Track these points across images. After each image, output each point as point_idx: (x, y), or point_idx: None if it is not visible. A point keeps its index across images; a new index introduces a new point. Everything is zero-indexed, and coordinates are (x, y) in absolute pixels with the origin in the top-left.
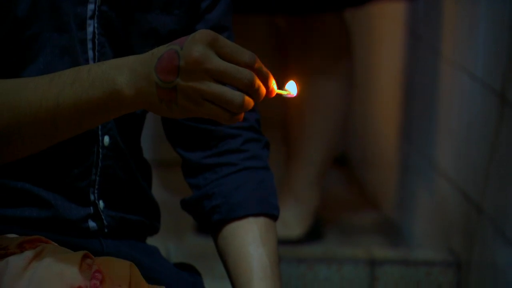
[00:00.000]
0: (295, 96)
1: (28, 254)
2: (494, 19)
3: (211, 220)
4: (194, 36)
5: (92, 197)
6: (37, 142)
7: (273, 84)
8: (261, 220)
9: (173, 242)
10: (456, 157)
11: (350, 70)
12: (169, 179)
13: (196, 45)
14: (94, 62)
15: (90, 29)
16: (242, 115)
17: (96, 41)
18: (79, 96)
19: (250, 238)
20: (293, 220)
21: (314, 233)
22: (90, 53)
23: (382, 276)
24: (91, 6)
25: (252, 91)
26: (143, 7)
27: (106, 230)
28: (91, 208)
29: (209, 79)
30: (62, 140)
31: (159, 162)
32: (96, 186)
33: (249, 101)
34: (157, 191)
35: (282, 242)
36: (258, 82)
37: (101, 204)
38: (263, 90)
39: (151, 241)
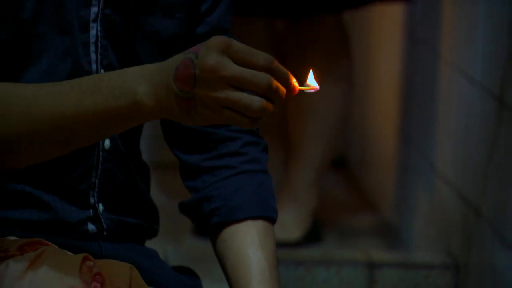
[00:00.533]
0: (317, 90)
1: (29, 256)
2: (493, 22)
3: (209, 223)
4: (208, 44)
5: (92, 200)
6: (53, 150)
7: (294, 82)
8: (259, 223)
9: (171, 245)
10: (455, 159)
11: (349, 71)
12: (167, 181)
13: (210, 53)
14: (97, 64)
15: (93, 31)
16: (264, 118)
17: (99, 44)
18: (99, 106)
19: (249, 241)
20: (292, 222)
21: (312, 235)
22: (93, 55)
23: (380, 278)
24: (94, 9)
25: (271, 94)
26: (146, 10)
27: (105, 233)
28: (91, 211)
29: (226, 86)
30: (77, 149)
31: (156, 164)
32: (96, 189)
33: (268, 105)
34: (155, 194)
35: (281, 244)
36: (276, 84)
37: (100, 207)
38: (282, 90)
39: (149, 244)
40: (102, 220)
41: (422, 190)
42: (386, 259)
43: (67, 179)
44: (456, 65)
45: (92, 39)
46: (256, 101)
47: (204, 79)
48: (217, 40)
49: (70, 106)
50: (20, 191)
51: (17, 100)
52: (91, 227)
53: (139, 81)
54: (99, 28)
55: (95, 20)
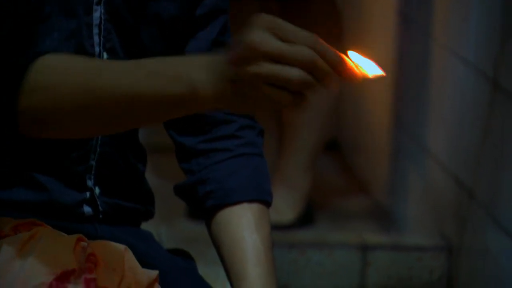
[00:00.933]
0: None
1: (22, 236)
2: (486, 3)
3: (205, 205)
4: (252, 22)
5: (89, 183)
6: (108, 126)
7: (347, 65)
8: (255, 206)
9: (165, 228)
10: (448, 142)
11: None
12: (161, 164)
13: (253, 30)
14: (100, 47)
15: (96, 14)
16: (306, 100)
17: (102, 27)
18: (159, 89)
19: (244, 224)
20: (285, 206)
21: (306, 218)
22: (96, 38)
23: (374, 261)
24: None
25: (314, 70)
26: None
27: (101, 216)
28: (87, 193)
29: (268, 61)
30: (128, 130)
31: (151, 147)
32: (93, 172)
33: (309, 79)
34: (149, 176)
35: (274, 227)
36: (321, 61)
37: (97, 190)
38: (326, 69)
39: (143, 226)
40: (98, 203)
41: (415, 173)
42: (379, 242)
43: (65, 161)
44: (449, 47)
45: (96, 22)
46: (295, 71)
47: (248, 57)
48: (262, 18)
49: (131, 85)
50: (16, 172)
51: (77, 73)
52: (87, 209)
53: (200, 70)
54: (102, 10)
55: (98, 3)
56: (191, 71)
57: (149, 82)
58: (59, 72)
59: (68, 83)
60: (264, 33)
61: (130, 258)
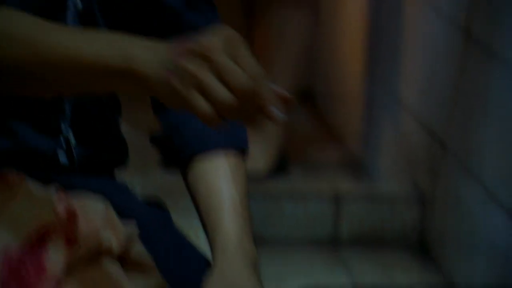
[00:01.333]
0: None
1: (3, 192)
2: None
3: (180, 155)
4: (217, 28)
5: (64, 132)
6: (45, 86)
7: (268, 107)
8: (231, 155)
9: (139, 178)
10: (421, 92)
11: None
12: (134, 114)
13: (213, 35)
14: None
15: None
16: (220, 125)
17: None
18: (96, 56)
19: (220, 174)
20: (259, 155)
21: (279, 169)
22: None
23: (347, 211)
24: None
25: (244, 100)
26: None
27: (76, 165)
28: (63, 142)
29: (207, 68)
30: (66, 95)
31: (123, 97)
32: (68, 120)
33: (233, 106)
34: (122, 127)
35: (248, 177)
36: (257, 98)
37: (72, 138)
38: (255, 105)
39: (117, 176)
40: (74, 152)
41: (388, 124)
42: (352, 192)
43: (39, 108)
44: None
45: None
46: (225, 93)
47: (193, 53)
48: (226, 30)
49: (70, 45)
50: None
51: (24, 26)
52: (62, 159)
53: (141, 49)
54: None
55: None
56: (132, 47)
57: (90, 46)
58: (7, 23)
59: (13, 35)
60: (221, 43)
61: (110, 213)
